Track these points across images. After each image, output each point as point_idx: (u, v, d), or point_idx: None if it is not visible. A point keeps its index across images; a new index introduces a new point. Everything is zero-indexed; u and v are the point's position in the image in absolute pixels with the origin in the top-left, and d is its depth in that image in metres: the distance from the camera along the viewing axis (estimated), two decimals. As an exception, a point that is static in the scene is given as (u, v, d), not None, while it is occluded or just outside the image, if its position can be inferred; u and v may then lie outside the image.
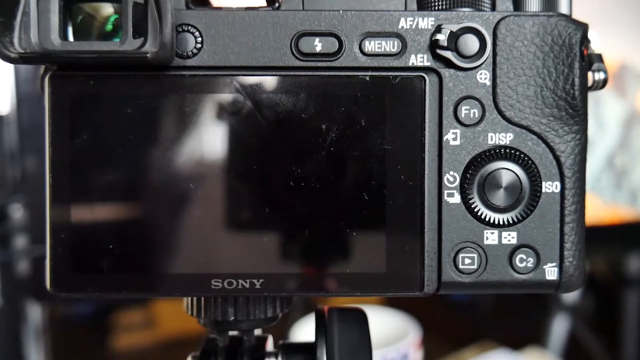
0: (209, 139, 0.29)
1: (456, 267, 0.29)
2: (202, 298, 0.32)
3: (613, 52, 0.88)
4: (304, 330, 0.67)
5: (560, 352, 1.06)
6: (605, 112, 0.87)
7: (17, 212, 0.82)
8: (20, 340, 0.83)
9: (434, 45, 0.29)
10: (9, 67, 0.82)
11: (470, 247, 0.29)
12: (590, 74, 0.30)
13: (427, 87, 0.29)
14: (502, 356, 0.86)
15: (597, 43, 0.32)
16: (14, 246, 0.81)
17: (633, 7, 0.89)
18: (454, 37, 0.29)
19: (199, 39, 0.29)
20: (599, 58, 0.31)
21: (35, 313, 0.85)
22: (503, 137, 0.29)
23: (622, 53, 0.88)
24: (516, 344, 0.93)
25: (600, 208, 0.88)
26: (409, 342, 0.64)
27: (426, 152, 0.29)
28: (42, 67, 0.31)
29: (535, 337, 1.09)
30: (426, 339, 0.68)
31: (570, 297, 1.08)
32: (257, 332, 0.35)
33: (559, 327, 1.08)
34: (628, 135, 0.88)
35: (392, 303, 0.76)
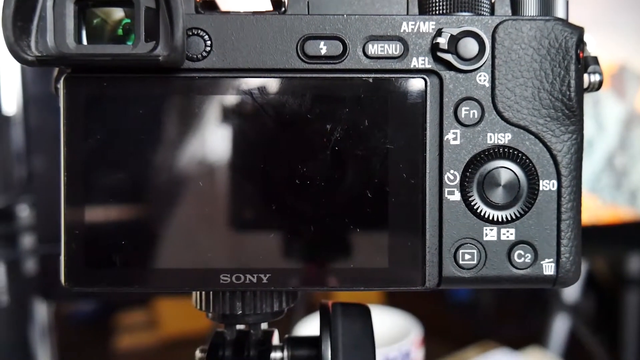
0: (218, 139, 0.30)
1: (456, 262, 0.30)
2: (211, 292, 0.33)
3: (613, 53, 0.89)
4: (307, 329, 0.67)
5: (561, 352, 1.07)
6: (605, 113, 0.88)
7: (24, 211, 0.83)
8: (26, 338, 0.83)
9: (434, 48, 0.30)
10: (16, 68, 0.83)
11: (470, 244, 0.30)
12: (586, 76, 0.31)
13: (428, 88, 0.30)
14: (502, 356, 0.86)
15: (593, 46, 0.33)
16: (21, 245, 0.82)
17: (633, 9, 0.90)
18: (454, 40, 0.29)
19: (209, 43, 0.29)
20: (595, 60, 0.31)
21: (41, 311, 0.86)
22: (502, 137, 0.30)
23: (621, 55, 0.89)
24: (517, 344, 0.93)
25: (600, 208, 0.89)
26: (411, 341, 0.64)
27: (427, 152, 0.30)
28: (56, 70, 0.32)
29: (536, 337, 1.09)
30: (427, 338, 0.68)
31: (571, 297, 1.09)
32: (264, 326, 0.36)
33: (560, 327, 1.08)
34: (627, 136, 0.89)
35: (394, 302, 0.76)
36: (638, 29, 0.89)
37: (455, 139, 0.30)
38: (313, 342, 0.35)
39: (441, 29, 0.30)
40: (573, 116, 0.30)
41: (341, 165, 0.30)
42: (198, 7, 0.30)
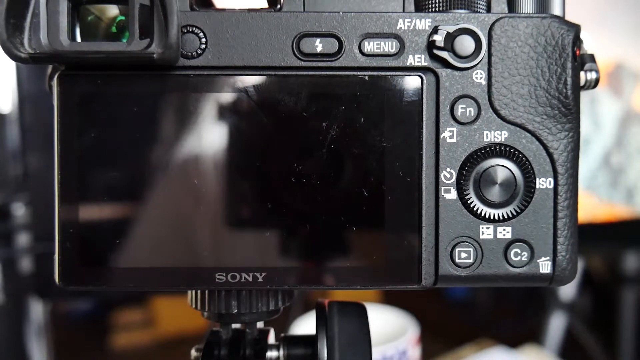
0: (213, 137, 0.30)
1: (453, 261, 0.30)
2: (206, 291, 0.33)
3: (609, 51, 0.89)
4: (304, 327, 0.67)
5: (558, 350, 1.07)
6: (601, 111, 0.88)
7: (20, 210, 0.82)
8: (22, 337, 0.83)
9: (431, 46, 0.29)
10: (11, 66, 0.83)
11: (467, 242, 0.30)
12: (582, 73, 0.31)
13: (425, 86, 0.30)
14: (499, 354, 0.86)
15: (590, 43, 0.33)
16: (16, 244, 0.81)
17: (630, 8, 0.90)
18: (450, 38, 0.29)
19: (203, 40, 0.29)
20: (591, 58, 0.31)
21: (37, 310, 0.85)
22: (498, 135, 0.30)
23: (618, 52, 0.89)
24: (514, 342, 0.94)
25: (597, 206, 0.89)
26: (408, 340, 0.64)
27: (424, 150, 0.30)
28: (50, 67, 0.31)
29: (533, 334, 1.09)
30: (424, 336, 0.68)
31: (568, 294, 1.09)
32: (259, 325, 0.36)
33: (556, 325, 1.08)
34: (624, 134, 0.89)
35: (391, 300, 0.76)
36: (635, 27, 0.89)
37: (451, 137, 0.30)
38: (309, 341, 0.35)
39: (437, 26, 0.29)
40: (569, 114, 0.30)
41: (337, 163, 0.30)
42: (193, 4, 0.30)
